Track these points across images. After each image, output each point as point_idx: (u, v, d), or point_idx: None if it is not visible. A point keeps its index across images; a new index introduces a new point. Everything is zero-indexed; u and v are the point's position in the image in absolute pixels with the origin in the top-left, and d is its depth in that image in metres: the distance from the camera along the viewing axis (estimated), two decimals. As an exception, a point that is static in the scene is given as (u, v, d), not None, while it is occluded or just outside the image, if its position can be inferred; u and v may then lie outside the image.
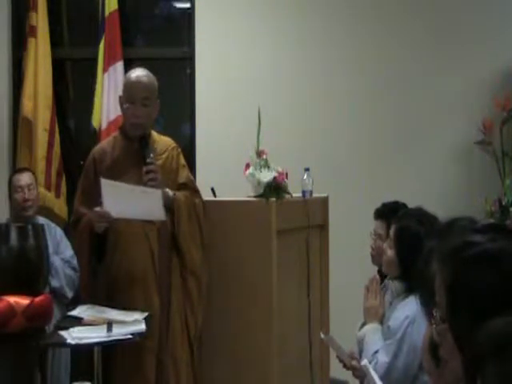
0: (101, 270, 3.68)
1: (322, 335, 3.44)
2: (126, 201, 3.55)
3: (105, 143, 3.91)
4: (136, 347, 3.52)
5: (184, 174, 3.87)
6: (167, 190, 3.71)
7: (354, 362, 3.30)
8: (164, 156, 3.82)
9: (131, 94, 3.73)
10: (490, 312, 1.34)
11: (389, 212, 3.57)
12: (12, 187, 4.75)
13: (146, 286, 3.66)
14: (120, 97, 3.84)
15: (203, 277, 3.77)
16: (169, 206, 3.67)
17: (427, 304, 1.56)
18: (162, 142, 3.88)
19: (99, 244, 3.65)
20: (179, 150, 3.95)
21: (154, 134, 3.91)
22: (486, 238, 1.43)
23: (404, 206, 3.64)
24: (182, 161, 3.91)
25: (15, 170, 5.08)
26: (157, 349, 3.63)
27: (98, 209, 3.55)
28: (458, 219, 2.08)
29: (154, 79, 3.81)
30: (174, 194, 3.73)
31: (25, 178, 4.76)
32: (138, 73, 3.80)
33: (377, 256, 3.58)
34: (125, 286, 3.65)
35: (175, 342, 3.69)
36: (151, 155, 3.69)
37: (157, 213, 3.59)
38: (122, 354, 3.57)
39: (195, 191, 3.86)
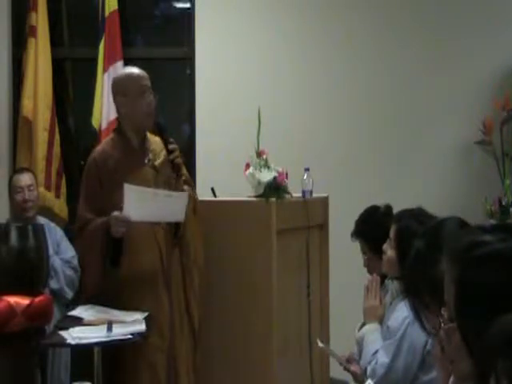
0: (110, 270, 3.67)
1: (320, 343, 3.44)
2: (149, 205, 3.53)
3: (104, 146, 3.86)
4: (147, 346, 3.52)
5: (183, 171, 3.87)
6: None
7: (353, 368, 3.31)
8: (162, 154, 3.81)
9: (140, 86, 3.71)
10: (499, 311, 1.34)
11: (362, 229, 3.64)
12: (12, 187, 4.74)
13: (155, 286, 3.65)
14: (119, 97, 3.79)
15: (204, 270, 3.78)
16: None
17: (414, 306, 1.57)
18: (158, 141, 3.86)
19: (114, 246, 3.61)
20: None
21: (148, 134, 3.89)
22: (496, 238, 1.44)
23: (377, 208, 3.68)
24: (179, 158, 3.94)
25: (15, 170, 5.07)
26: (167, 347, 3.63)
27: (116, 213, 3.52)
28: (446, 220, 2.07)
29: None
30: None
31: (25, 179, 4.76)
32: (134, 68, 3.82)
33: (369, 267, 3.60)
34: (134, 286, 3.62)
35: (179, 339, 3.68)
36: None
37: (178, 215, 3.60)
38: (133, 353, 3.56)
39: (193, 188, 3.90)
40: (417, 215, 3.11)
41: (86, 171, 3.77)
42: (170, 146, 3.70)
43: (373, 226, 3.58)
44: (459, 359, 1.43)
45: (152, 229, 3.66)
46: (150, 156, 3.74)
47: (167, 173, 3.74)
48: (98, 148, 3.85)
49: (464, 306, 1.41)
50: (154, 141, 3.85)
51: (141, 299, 3.62)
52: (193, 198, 3.78)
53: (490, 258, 1.41)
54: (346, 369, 3.37)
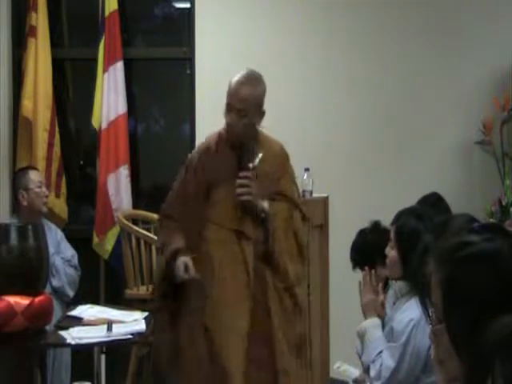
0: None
1: (337, 365, 3.44)
2: None
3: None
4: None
5: (285, 185, 3.68)
6: (264, 203, 3.55)
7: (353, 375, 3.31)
8: (267, 164, 3.61)
9: (228, 103, 3.61)
10: (486, 311, 1.34)
11: (356, 259, 3.60)
12: (30, 182, 4.71)
13: (238, 309, 3.51)
14: None
15: (298, 291, 3.62)
16: (264, 219, 3.55)
17: (425, 302, 1.56)
18: (268, 146, 3.67)
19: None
20: (288, 157, 3.74)
21: (263, 137, 3.69)
22: (482, 238, 1.44)
23: (363, 231, 3.65)
24: (289, 169, 3.73)
25: (27, 166, 5.02)
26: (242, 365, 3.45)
27: (183, 271, 3.44)
28: (456, 216, 2.08)
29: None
30: (271, 205, 3.57)
31: (41, 176, 4.84)
32: (238, 84, 3.62)
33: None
34: (217, 309, 3.51)
35: (282, 354, 3.52)
36: (254, 163, 3.55)
37: None
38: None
39: (294, 203, 3.67)
40: (414, 211, 3.12)
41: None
42: (237, 181, 3.51)
43: (364, 253, 3.55)
44: (448, 360, 1.43)
45: (241, 251, 3.53)
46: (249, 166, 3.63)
47: (266, 183, 3.62)
48: None
49: (451, 306, 1.41)
50: (265, 144, 3.70)
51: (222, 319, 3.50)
52: (285, 218, 3.60)
53: (476, 258, 1.41)
54: None
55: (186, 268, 3.43)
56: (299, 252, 3.64)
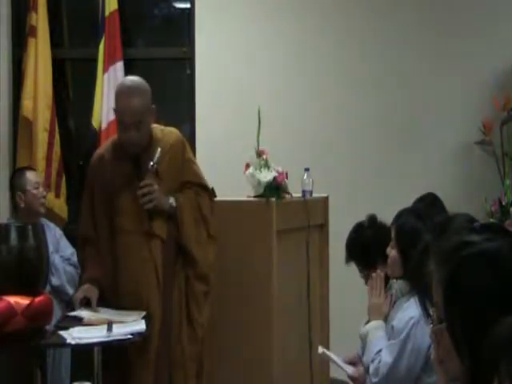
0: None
1: (320, 349, 3.45)
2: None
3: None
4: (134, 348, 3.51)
5: (188, 171, 3.72)
6: (170, 199, 3.62)
7: (350, 372, 3.32)
8: (168, 155, 3.66)
9: (121, 121, 3.64)
10: (487, 312, 1.34)
11: (353, 252, 3.60)
12: (27, 183, 4.70)
13: (146, 299, 3.59)
14: None
15: (211, 277, 3.68)
16: (173, 214, 3.61)
17: (424, 302, 1.57)
18: (166, 138, 3.71)
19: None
20: (185, 142, 3.78)
21: (157, 130, 3.73)
22: (483, 238, 1.44)
23: (361, 225, 3.65)
24: (188, 155, 3.76)
25: (24, 167, 5.01)
26: (154, 351, 3.57)
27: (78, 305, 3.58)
28: (457, 215, 2.08)
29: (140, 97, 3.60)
30: (177, 199, 3.63)
31: (37, 176, 4.81)
32: (126, 98, 3.58)
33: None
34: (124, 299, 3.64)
35: (180, 343, 3.61)
36: (153, 161, 3.57)
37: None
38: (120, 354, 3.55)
39: (201, 188, 3.72)
40: (414, 211, 3.13)
41: None
42: (139, 192, 3.56)
43: (361, 246, 3.56)
44: (448, 359, 1.43)
45: (149, 250, 3.59)
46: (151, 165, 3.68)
47: (170, 175, 3.70)
48: None
49: (452, 306, 1.41)
50: (163, 138, 3.72)
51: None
52: (192, 206, 3.66)
53: (476, 257, 1.41)
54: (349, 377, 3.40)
55: (81, 302, 3.59)
56: (208, 236, 3.69)
